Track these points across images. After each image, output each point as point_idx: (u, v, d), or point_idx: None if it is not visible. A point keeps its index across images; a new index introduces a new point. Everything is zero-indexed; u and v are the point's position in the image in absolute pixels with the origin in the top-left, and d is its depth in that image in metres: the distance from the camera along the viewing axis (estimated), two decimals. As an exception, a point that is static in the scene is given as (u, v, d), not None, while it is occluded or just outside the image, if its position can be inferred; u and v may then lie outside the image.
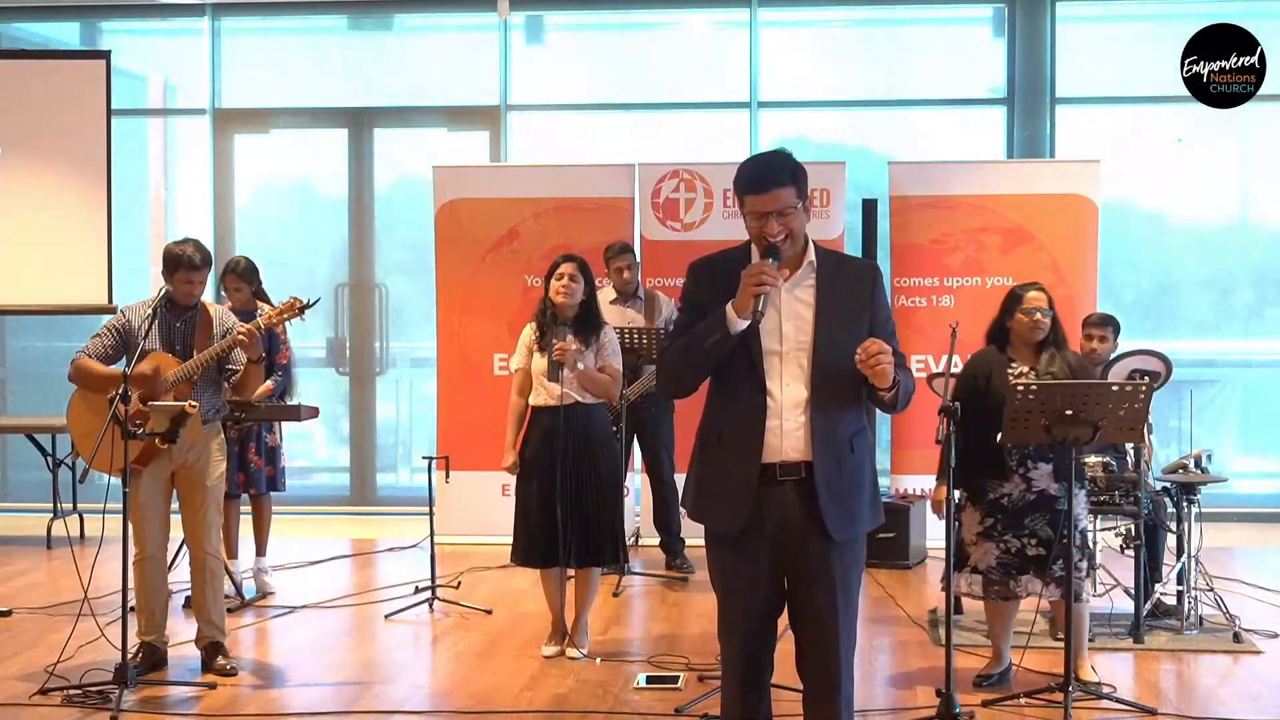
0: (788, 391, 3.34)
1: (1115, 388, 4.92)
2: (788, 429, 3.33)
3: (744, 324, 3.28)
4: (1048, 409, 4.72)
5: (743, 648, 3.47)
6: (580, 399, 5.63)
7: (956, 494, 5.22)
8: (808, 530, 3.36)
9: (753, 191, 3.33)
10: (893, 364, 3.27)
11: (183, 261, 5.32)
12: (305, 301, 5.29)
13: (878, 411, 3.65)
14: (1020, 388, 4.76)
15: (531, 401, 5.69)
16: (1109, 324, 6.50)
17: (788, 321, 3.36)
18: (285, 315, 5.32)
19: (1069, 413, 4.70)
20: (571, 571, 5.80)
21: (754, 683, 3.49)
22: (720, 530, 3.44)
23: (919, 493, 8.03)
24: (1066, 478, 5.02)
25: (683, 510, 3.75)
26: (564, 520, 5.55)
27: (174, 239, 5.58)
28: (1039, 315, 5.19)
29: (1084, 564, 5.20)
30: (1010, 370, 5.17)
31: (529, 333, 5.72)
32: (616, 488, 5.82)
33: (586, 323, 5.66)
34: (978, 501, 5.23)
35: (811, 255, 3.42)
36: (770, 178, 3.33)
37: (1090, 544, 5.29)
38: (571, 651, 5.73)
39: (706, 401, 3.50)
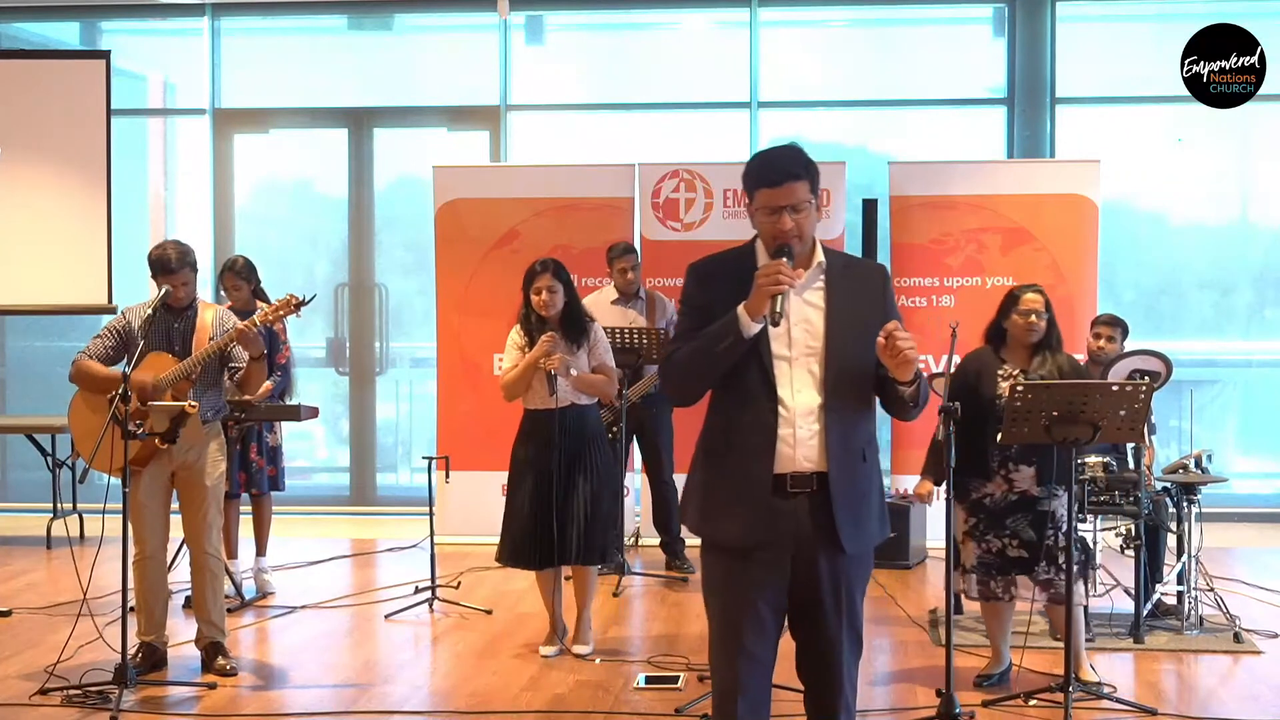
0: (799, 398, 3.21)
1: (1115, 388, 4.92)
2: (801, 437, 3.20)
3: (758, 326, 3.14)
4: (1048, 409, 4.72)
5: (745, 669, 3.26)
6: (576, 401, 5.61)
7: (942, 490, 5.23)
8: (819, 544, 3.23)
9: (766, 185, 3.21)
10: (916, 352, 3.15)
11: (157, 266, 5.35)
12: (301, 298, 5.29)
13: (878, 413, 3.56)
14: (1020, 388, 4.77)
15: (526, 404, 5.68)
16: (1118, 325, 6.55)
17: (796, 326, 3.23)
18: (282, 312, 5.32)
19: (1069, 413, 4.71)
20: (568, 571, 5.80)
21: (757, 706, 3.31)
22: (729, 544, 3.27)
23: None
24: (1061, 480, 5.04)
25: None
26: (559, 521, 5.54)
27: (173, 239, 5.60)
28: (1034, 318, 5.18)
29: (1075, 566, 5.19)
30: (1001, 372, 5.17)
31: (517, 336, 5.65)
32: (612, 487, 5.80)
33: (573, 325, 5.61)
34: (962, 500, 5.22)
35: (820, 256, 3.29)
36: (785, 170, 3.20)
37: (1090, 545, 5.28)
38: (578, 649, 5.74)
39: (710, 409, 3.34)
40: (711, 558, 3.36)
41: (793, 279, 3.13)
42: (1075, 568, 5.16)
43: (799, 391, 3.22)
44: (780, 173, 3.20)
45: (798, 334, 3.24)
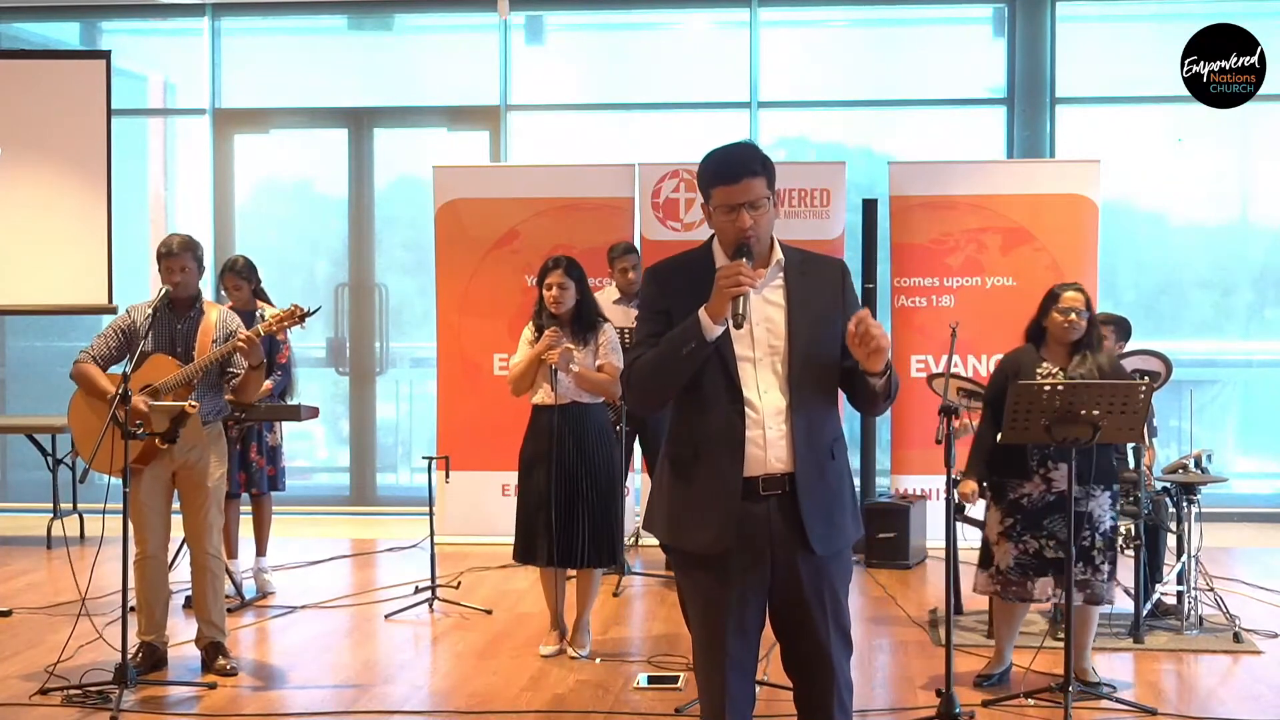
0: (766, 399, 3.16)
1: (1115, 388, 4.91)
2: (771, 439, 3.16)
3: (720, 329, 3.09)
4: (1048, 409, 4.71)
5: (731, 674, 3.24)
6: (577, 398, 5.62)
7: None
8: (794, 547, 3.18)
9: (724, 182, 3.13)
10: (888, 341, 3.09)
11: (159, 252, 5.41)
12: (306, 310, 5.28)
13: (866, 414, 3.46)
14: (1018, 389, 4.76)
15: (532, 400, 5.69)
16: (1110, 323, 6.51)
17: (759, 325, 3.17)
18: (286, 323, 5.31)
19: (1068, 413, 4.70)
20: (573, 572, 5.81)
21: (742, 708, 3.28)
22: (701, 552, 3.22)
23: (919, 493, 8.03)
24: (1099, 479, 5.04)
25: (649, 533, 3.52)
26: (559, 520, 5.56)
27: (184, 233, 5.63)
28: (1074, 315, 5.15)
29: (1106, 566, 5.18)
30: (1040, 370, 5.14)
31: (528, 332, 5.72)
32: (613, 488, 5.79)
33: (583, 322, 5.64)
34: (999, 501, 5.20)
35: (779, 254, 3.24)
36: (743, 166, 3.13)
37: (1117, 547, 5.27)
38: (574, 652, 5.74)
39: (673, 415, 3.29)
40: (685, 566, 3.31)
41: (753, 279, 3.08)
42: (1108, 569, 5.16)
43: (765, 392, 3.18)
44: (737, 169, 3.14)
45: (760, 334, 3.19)
